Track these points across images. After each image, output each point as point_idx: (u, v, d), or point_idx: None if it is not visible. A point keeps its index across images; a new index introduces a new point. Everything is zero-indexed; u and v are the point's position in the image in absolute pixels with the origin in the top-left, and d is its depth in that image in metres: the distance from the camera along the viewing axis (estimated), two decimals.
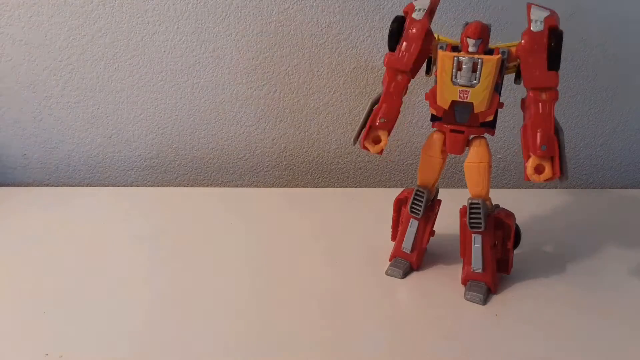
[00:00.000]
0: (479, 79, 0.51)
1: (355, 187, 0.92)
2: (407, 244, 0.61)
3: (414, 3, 0.54)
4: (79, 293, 0.57)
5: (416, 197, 0.59)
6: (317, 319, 0.53)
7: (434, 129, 0.57)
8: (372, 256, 0.64)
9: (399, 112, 0.56)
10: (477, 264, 0.56)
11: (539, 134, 0.51)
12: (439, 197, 0.62)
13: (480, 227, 0.55)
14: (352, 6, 0.81)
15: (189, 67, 0.84)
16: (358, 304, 0.56)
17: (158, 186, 0.91)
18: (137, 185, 0.91)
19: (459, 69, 0.51)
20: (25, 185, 0.90)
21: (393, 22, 0.54)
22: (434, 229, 0.62)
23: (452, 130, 0.55)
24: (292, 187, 0.92)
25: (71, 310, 0.54)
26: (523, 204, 0.81)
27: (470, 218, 0.55)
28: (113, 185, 0.91)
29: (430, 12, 0.53)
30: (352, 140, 0.58)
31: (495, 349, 0.49)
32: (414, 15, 0.53)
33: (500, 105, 0.53)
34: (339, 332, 0.51)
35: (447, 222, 0.62)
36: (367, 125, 0.56)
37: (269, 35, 0.82)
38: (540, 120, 0.51)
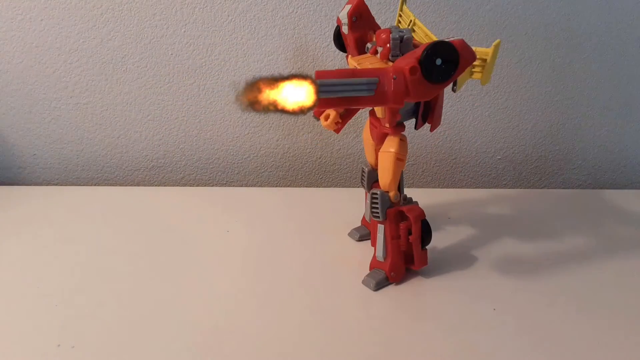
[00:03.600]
0: None
1: (357, 187, 0.94)
2: (379, 253, 0.61)
3: (339, 16, 0.59)
4: (88, 288, 0.59)
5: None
6: (318, 317, 0.55)
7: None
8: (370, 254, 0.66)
9: None
10: (379, 252, 0.60)
11: None
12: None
13: (378, 217, 0.58)
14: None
15: (195, 69, 0.86)
16: (356, 300, 0.57)
17: (164, 186, 0.93)
18: (144, 185, 0.93)
19: None
20: (34, 185, 0.92)
21: (335, 31, 0.62)
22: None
23: (371, 123, 0.61)
24: (295, 187, 0.94)
25: (82, 304, 0.56)
26: (522, 204, 0.82)
27: (371, 207, 0.58)
28: (121, 185, 0.93)
29: (353, 24, 0.58)
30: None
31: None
32: (343, 29, 0.59)
33: (396, 116, 0.55)
34: (331, 331, 0.53)
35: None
36: None
37: (274, 39, 0.84)
38: None
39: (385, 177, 0.57)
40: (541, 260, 0.65)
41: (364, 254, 0.66)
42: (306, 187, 0.94)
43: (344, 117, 0.63)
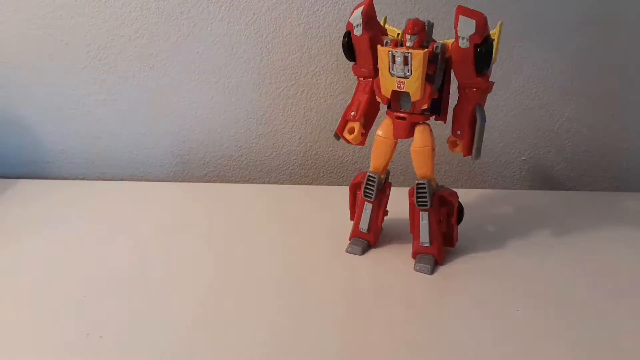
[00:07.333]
0: (411, 70, 0.56)
1: None
2: (363, 225, 0.66)
3: (350, 20, 0.60)
4: (114, 279, 0.60)
5: (368, 182, 0.64)
6: (337, 307, 0.55)
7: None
8: (392, 248, 0.66)
9: (367, 104, 0.62)
10: (424, 239, 0.62)
11: (457, 122, 0.60)
12: (390, 180, 0.67)
13: (426, 205, 0.61)
14: (379, 9, 0.83)
15: (220, 67, 0.87)
16: (373, 291, 0.58)
17: (189, 182, 0.94)
18: (169, 181, 0.94)
19: (394, 62, 0.57)
20: (61, 179, 0.94)
21: (344, 38, 0.61)
22: (387, 209, 0.67)
23: (397, 117, 0.61)
24: (317, 184, 0.94)
25: (109, 295, 0.57)
26: (523, 205, 0.82)
27: (417, 197, 0.61)
28: (146, 180, 0.94)
29: (366, 24, 0.59)
30: (333, 135, 0.65)
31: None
32: (355, 32, 0.60)
33: (434, 94, 0.58)
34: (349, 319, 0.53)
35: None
36: (342, 119, 0.64)
37: (298, 37, 0.85)
38: (462, 110, 0.59)
39: (424, 169, 0.61)
40: (548, 262, 0.65)
41: (379, 250, 0.66)
42: (328, 185, 0.94)
43: (366, 126, 0.64)
